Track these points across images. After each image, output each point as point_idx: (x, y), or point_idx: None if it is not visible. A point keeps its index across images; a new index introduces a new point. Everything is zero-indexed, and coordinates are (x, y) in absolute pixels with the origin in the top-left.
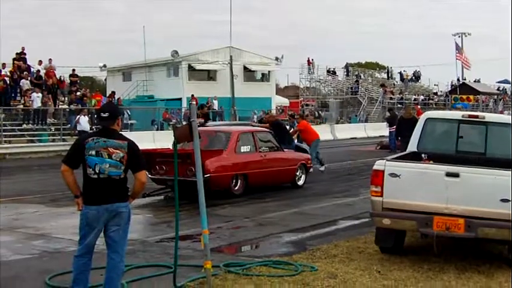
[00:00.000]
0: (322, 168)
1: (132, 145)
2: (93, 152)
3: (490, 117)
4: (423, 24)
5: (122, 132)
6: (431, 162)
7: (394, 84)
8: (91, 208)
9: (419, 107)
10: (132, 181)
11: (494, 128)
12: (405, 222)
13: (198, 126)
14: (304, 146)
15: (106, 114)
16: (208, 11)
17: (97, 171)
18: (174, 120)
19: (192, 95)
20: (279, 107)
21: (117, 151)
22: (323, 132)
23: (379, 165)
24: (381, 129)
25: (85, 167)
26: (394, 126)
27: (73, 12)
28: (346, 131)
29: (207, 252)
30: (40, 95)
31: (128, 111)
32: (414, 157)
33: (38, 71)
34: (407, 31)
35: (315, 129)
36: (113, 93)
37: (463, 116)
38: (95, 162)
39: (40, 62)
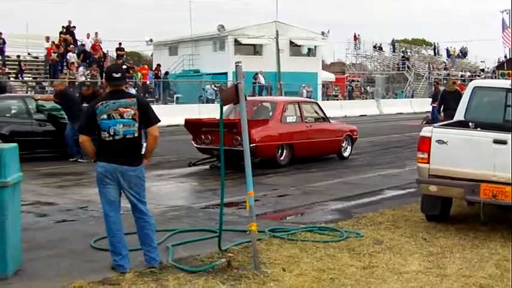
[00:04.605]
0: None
1: (140, 100)
2: (105, 116)
3: None
4: (471, 1)
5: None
6: (478, 129)
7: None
8: (101, 164)
9: (459, 82)
10: None
11: None
12: (452, 190)
13: None
14: None
15: (119, 75)
16: None
17: (112, 134)
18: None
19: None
20: (324, 82)
21: (128, 109)
22: (369, 107)
23: (426, 131)
24: (427, 105)
25: (100, 132)
26: (438, 102)
27: None
28: (392, 107)
29: (252, 214)
30: (84, 69)
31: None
32: (461, 125)
33: (83, 45)
34: (456, 7)
35: None
36: (159, 66)
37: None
38: (109, 125)
39: (88, 35)
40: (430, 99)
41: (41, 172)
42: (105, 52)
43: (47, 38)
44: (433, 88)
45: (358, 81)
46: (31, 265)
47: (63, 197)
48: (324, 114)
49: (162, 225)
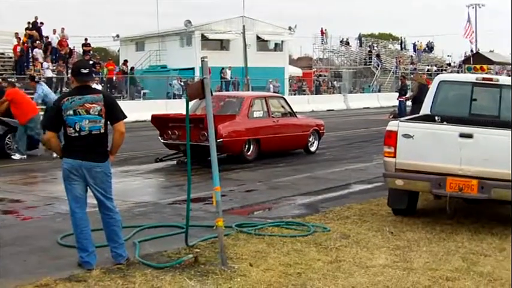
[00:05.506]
0: (17, 157)
1: (107, 96)
2: (71, 112)
3: (504, 80)
4: None
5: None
6: (444, 123)
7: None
8: (67, 161)
9: (425, 76)
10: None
11: (508, 91)
12: (418, 183)
13: None
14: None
15: (86, 71)
16: None
17: (77, 129)
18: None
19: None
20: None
21: (94, 105)
22: (336, 101)
23: (392, 125)
24: (394, 99)
25: (65, 127)
26: (404, 96)
27: None
28: (359, 101)
29: (219, 209)
30: (49, 64)
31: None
32: (427, 119)
33: (47, 39)
34: (422, 2)
35: (33, 102)
36: (126, 61)
37: (477, 79)
38: (75, 121)
39: (54, 31)
40: (397, 94)
41: (6, 169)
42: (72, 48)
43: (16, 34)
44: (400, 82)
45: (325, 76)
46: None
47: (29, 194)
48: (291, 109)
49: (129, 222)
